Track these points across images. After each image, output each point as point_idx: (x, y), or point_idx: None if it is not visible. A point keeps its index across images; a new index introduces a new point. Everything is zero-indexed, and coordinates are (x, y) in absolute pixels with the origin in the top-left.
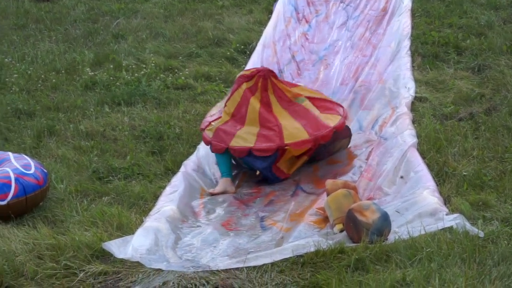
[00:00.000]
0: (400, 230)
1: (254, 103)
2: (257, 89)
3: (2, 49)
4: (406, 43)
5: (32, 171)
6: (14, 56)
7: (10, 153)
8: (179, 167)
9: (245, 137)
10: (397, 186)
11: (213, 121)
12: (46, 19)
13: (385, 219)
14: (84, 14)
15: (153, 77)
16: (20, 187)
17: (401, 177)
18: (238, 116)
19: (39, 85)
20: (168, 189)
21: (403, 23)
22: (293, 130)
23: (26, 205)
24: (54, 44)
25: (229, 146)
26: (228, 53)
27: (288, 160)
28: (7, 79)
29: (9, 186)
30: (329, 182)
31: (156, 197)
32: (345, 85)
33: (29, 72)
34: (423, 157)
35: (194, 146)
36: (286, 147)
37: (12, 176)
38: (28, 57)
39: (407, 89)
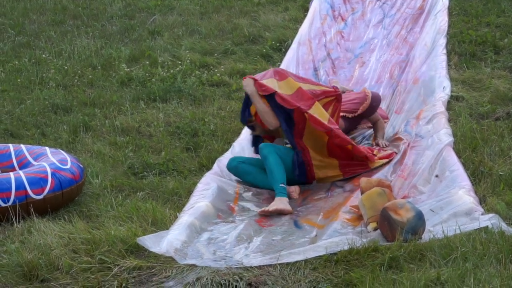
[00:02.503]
0: (434, 229)
1: None
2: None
3: (39, 45)
4: (442, 42)
5: (68, 166)
6: (52, 52)
7: (47, 148)
8: (213, 163)
9: (280, 86)
10: (432, 185)
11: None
12: (83, 15)
13: (419, 218)
14: (120, 11)
15: (188, 74)
16: (57, 182)
17: (437, 176)
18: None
19: (76, 80)
20: (202, 185)
21: (439, 21)
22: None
23: (62, 200)
24: (91, 40)
25: (258, 80)
26: (264, 50)
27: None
28: (44, 75)
29: (46, 181)
30: (363, 180)
31: (190, 193)
32: (380, 83)
33: (66, 67)
34: (459, 156)
35: (228, 143)
36: (306, 112)
37: (49, 170)
38: (65, 53)
39: (443, 88)
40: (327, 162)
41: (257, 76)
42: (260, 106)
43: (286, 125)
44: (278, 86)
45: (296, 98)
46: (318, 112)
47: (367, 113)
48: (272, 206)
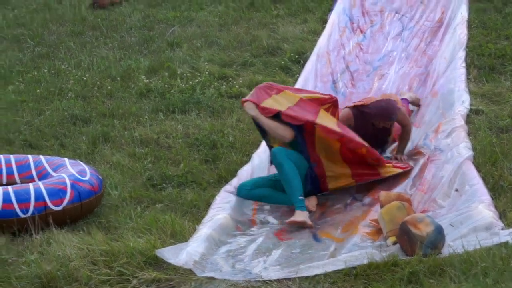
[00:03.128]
0: (454, 244)
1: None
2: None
3: (59, 55)
4: (461, 55)
5: (87, 178)
6: (71, 63)
7: (66, 159)
8: (232, 175)
9: (280, 102)
10: (452, 199)
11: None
12: (103, 26)
13: (439, 232)
14: (139, 22)
15: (207, 85)
16: (76, 193)
17: (456, 190)
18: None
19: (95, 91)
20: (220, 197)
21: (458, 34)
22: (329, 124)
23: (81, 211)
24: (110, 51)
25: (259, 104)
26: (282, 62)
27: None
28: (63, 86)
29: (65, 192)
30: (382, 194)
31: (209, 205)
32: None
33: (85, 78)
34: (479, 170)
35: (247, 155)
36: (315, 124)
37: (68, 182)
38: (84, 64)
39: (462, 102)
40: (340, 172)
41: (252, 98)
42: (268, 124)
43: (300, 136)
44: (279, 102)
45: (300, 109)
46: (326, 119)
47: (375, 109)
48: (293, 219)
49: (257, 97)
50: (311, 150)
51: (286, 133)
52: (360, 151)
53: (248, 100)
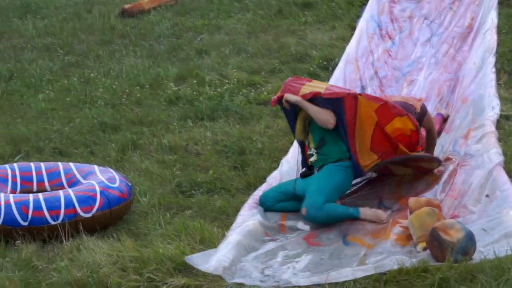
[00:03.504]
0: (485, 250)
1: None
2: None
3: (88, 64)
4: (491, 60)
5: (116, 185)
6: (100, 71)
7: (95, 166)
8: (261, 182)
9: (316, 86)
10: (483, 205)
11: None
12: (131, 35)
13: (470, 238)
14: (168, 30)
15: (235, 92)
16: (105, 200)
17: (487, 195)
18: None
19: (124, 99)
20: (250, 203)
21: (488, 40)
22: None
23: (111, 218)
24: (139, 59)
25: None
26: (311, 69)
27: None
28: (93, 93)
29: (94, 199)
30: (412, 200)
31: (237, 211)
32: (428, 101)
33: (114, 86)
34: (510, 176)
35: (276, 162)
36: (359, 94)
37: (98, 189)
38: (113, 72)
39: (492, 107)
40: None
41: (284, 92)
42: (312, 108)
43: (341, 120)
44: (314, 87)
45: (337, 88)
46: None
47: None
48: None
49: (289, 90)
50: (351, 138)
51: (329, 117)
52: (402, 121)
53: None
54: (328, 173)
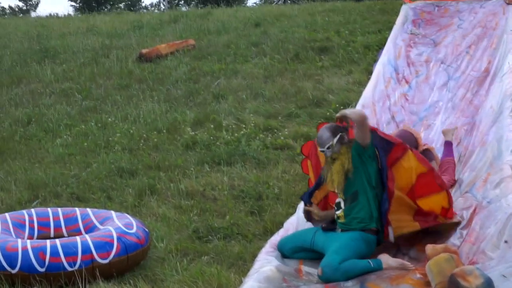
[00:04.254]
0: None
1: None
2: None
3: (106, 109)
4: (509, 105)
5: (134, 230)
6: (117, 116)
7: (113, 212)
8: (278, 227)
9: None
10: (502, 251)
11: None
12: (149, 79)
13: (489, 285)
14: (185, 74)
15: (252, 137)
16: (122, 246)
17: (506, 241)
18: None
19: (141, 144)
20: (267, 248)
21: (506, 84)
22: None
23: (128, 264)
24: (156, 104)
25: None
26: (328, 113)
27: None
28: (110, 138)
29: (112, 245)
30: (429, 247)
31: (255, 257)
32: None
33: (132, 131)
34: None
35: (293, 207)
36: (410, 149)
37: (115, 235)
38: (130, 117)
39: (510, 152)
40: (402, 218)
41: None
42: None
43: (383, 152)
44: None
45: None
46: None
47: None
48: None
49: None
50: (390, 180)
51: (368, 135)
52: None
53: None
54: (353, 238)
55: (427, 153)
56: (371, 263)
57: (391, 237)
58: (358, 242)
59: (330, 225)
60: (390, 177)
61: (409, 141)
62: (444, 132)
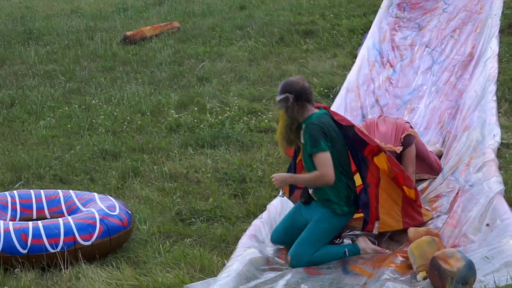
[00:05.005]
0: (485, 279)
1: None
2: None
3: (89, 91)
4: (492, 89)
5: (116, 212)
6: (101, 98)
7: (95, 194)
8: (261, 210)
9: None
10: (483, 234)
11: None
12: (133, 62)
13: (470, 268)
14: (170, 57)
15: (236, 120)
16: (105, 228)
17: (487, 224)
18: None
19: (125, 126)
20: (250, 231)
21: (489, 68)
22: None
23: (110, 246)
24: (140, 86)
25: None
26: None
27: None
28: (94, 121)
29: (94, 227)
30: (411, 230)
31: (237, 240)
32: (429, 129)
33: (115, 113)
34: (510, 205)
35: (276, 189)
36: (383, 150)
37: (97, 217)
38: (114, 99)
39: (493, 135)
40: (391, 203)
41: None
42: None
43: (359, 146)
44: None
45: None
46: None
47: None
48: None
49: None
50: (372, 169)
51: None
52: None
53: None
54: (322, 219)
55: (408, 138)
56: (347, 252)
57: (375, 231)
58: (327, 222)
59: (309, 198)
60: (372, 168)
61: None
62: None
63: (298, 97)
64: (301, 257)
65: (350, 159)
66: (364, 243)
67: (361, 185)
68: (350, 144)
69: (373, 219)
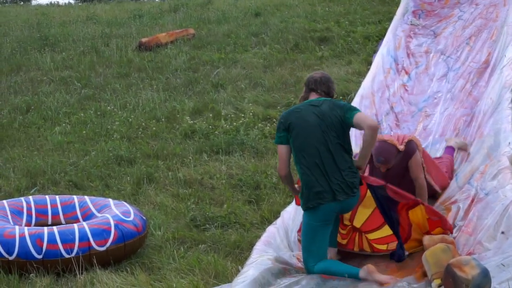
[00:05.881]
0: (501, 287)
1: None
2: None
3: (105, 97)
4: (508, 96)
5: (131, 218)
6: (116, 104)
7: (110, 200)
8: (275, 216)
9: None
10: (498, 242)
11: None
12: (148, 68)
13: (485, 275)
14: (185, 64)
15: (251, 127)
16: (119, 234)
17: (502, 232)
18: None
19: (140, 132)
20: (265, 237)
21: (505, 76)
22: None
23: (125, 252)
24: (155, 93)
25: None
26: None
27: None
28: (109, 127)
29: (109, 232)
30: (426, 238)
31: (252, 246)
32: (444, 136)
33: (130, 120)
34: None
35: (290, 196)
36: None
37: (112, 222)
38: (129, 105)
39: (508, 143)
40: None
41: None
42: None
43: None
44: None
45: None
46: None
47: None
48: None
49: None
50: (404, 225)
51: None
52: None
53: None
54: (304, 222)
55: (411, 144)
56: (347, 275)
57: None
58: (303, 223)
59: None
60: (403, 224)
61: (389, 152)
62: (447, 140)
63: (306, 84)
64: (305, 264)
65: (318, 149)
66: (364, 273)
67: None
68: (381, 201)
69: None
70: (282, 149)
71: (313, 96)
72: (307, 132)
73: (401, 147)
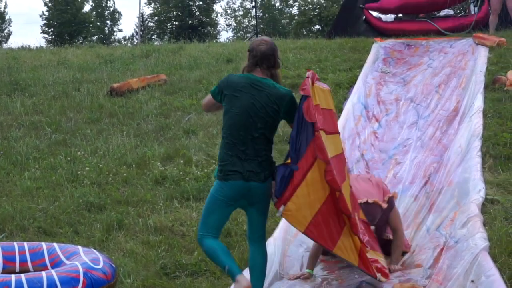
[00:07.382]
0: None
1: None
2: None
3: (75, 142)
4: (477, 144)
5: (100, 266)
6: (87, 150)
7: (79, 247)
8: (246, 264)
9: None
10: None
11: None
12: (119, 114)
13: None
14: (156, 109)
15: None
16: (88, 282)
17: (472, 281)
18: None
19: (110, 178)
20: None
21: (474, 123)
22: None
23: None
24: (126, 138)
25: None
26: None
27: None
28: (79, 172)
29: (78, 280)
30: (397, 286)
31: None
32: (413, 184)
33: (101, 165)
34: (495, 261)
35: None
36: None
37: (81, 270)
38: (100, 151)
39: (478, 191)
40: (305, 202)
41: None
42: None
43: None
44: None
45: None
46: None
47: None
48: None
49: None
50: (309, 156)
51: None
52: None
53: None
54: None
55: (391, 200)
56: (226, 269)
57: (278, 214)
58: (212, 196)
59: None
60: (309, 155)
61: (375, 212)
62: None
63: (252, 55)
64: (198, 230)
65: (241, 133)
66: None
67: (290, 161)
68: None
69: (281, 201)
70: (212, 101)
71: (258, 73)
72: (236, 113)
73: (384, 205)
